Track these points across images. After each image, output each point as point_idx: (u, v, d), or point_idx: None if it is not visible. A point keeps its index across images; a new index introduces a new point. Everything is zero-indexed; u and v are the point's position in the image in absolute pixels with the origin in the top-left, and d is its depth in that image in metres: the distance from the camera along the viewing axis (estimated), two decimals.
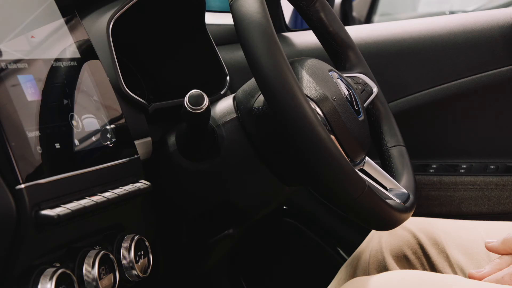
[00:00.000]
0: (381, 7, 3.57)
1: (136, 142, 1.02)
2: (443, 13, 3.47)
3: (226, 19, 1.68)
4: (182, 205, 1.14)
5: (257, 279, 1.67)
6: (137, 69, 1.32)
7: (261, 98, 1.05)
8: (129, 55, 1.30)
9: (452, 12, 3.53)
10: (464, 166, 1.47)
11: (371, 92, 1.21)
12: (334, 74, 1.09)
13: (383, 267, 1.09)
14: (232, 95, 1.13)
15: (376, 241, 1.12)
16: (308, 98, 0.99)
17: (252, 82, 1.09)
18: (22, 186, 0.79)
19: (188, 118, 1.02)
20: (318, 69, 1.07)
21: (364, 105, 1.16)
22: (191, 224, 1.18)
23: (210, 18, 1.45)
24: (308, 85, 1.03)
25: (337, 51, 1.23)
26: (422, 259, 1.09)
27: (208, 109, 1.01)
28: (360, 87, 1.18)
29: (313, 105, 1.02)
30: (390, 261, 1.09)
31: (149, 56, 1.33)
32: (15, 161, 0.79)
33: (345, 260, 1.40)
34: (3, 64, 0.84)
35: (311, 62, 1.09)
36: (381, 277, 0.92)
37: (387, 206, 0.97)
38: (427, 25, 1.51)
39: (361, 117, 1.08)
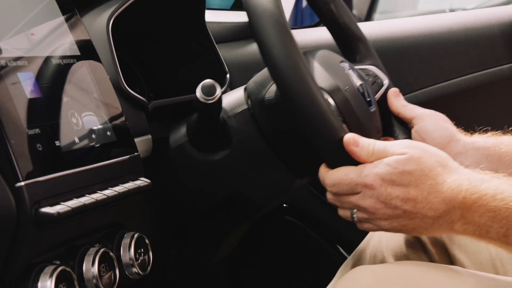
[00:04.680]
0: (381, 5, 3.57)
1: (136, 140, 1.02)
2: (443, 11, 3.47)
3: (226, 17, 1.68)
4: (191, 198, 1.14)
5: (257, 277, 1.67)
6: (137, 67, 1.32)
7: (272, 88, 1.05)
8: (129, 53, 1.30)
9: (452, 10, 3.53)
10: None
11: (382, 84, 1.20)
12: (346, 65, 1.09)
13: None
14: (243, 86, 1.13)
15: (377, 240, 1.12)
16: (320, 89, 0.98)
17: (263, 73, 1.08)
18: (22, 183, 0.79)
19: (200, 108, 1.01)
20: (329, 60, 1.07)
21: (375, 97, 1.16)
22: (199, 219, 1.17)
23: (210, 16, 1.45)
24: (320, 75, 1.03)
25: (347, 43, 1.22)
26: (423, 257, 1.09)
27: (220, 99, 1.01)
28: (371, 79, 1.17)
29: (326, 96, 1.01)
30: (391, 260, 1.09)
31: (149, 54, 1.33)
32: (15, 158, 0.79)
33: (345, 258, 1.40)
34: (3, 62, 0.84)
35: (323, 53, 1.08)
36: (383, 266, 0.92)
37: None
38: (427, 23, 1.51)
39: (373, 109, 1.08)
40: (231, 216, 1.19)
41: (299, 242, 1.64)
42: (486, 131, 1.12)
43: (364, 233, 1.20)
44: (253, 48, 1.56)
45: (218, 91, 1.00)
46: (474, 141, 1.10)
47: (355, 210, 0.92)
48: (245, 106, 1.08)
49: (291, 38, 0.91)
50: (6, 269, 0.80)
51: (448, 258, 1.08)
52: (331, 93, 1.02)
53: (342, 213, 0.95)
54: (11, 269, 0.80)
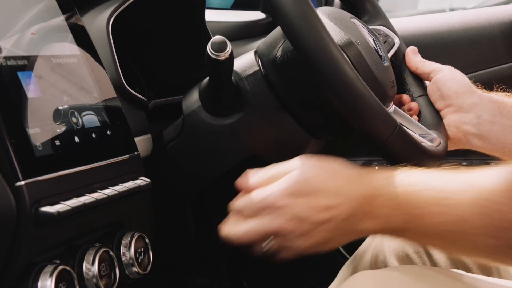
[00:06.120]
0: (381, 5, 3.56)
1: (136, 139, 1.02)
2: (443, 11, 3.47)
3: (226, 16, 1.69)
4: (207, 164, 1.12)
5: (257, 278, 1.67)
6: (137, 66, 1.32)
7: (283, 46, 1.04)
8: (129, 52, 1.30)
9: (452, 10, 3.53)
10: (464, 164, 1.46)
11: (393, 43, 1.19)
12: (356, 22, 1.08)
13: (385, 267, 1.09)
14: (253, 50, 1.12)
15: (378, 240, 1.12)
16: None
17: (273, 33, 1.08)
18: (22, 183, 0.79)
19: (211, 66, 1.00)
20: (339, 16, 1.06)
21: (388, 55, 1.14)
22: (216, 186, 1.15)
23: (210, 16, 1.45)
24: (332, 30, 1.01)
25: (354, 4, 1.21)
26: (424, 258, 1.09)
27: (231, 56, 1.00)
28: (382, 38, 1.16)
29: None
30: (392, 261, 1.09)
31: (149, 53, 1.33)
32: (15, 158, 0.79)
33: (345, 258, 1.40)
34: (2, 61, 0.83)
35: (332, 9, 1.08)
36: (385, 271, 0.92)
37: (420, 144, 0.96)
38: (427, 23, 1.51)
39: (386, 63, 1.07)
40: None
41: None
42: (503, 90, 1.12)
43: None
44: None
45: (229, 47, 0.99)
46: (491, 96, 1.09)
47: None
48: (257, 68, 1.07)
49: None
50: (6, 269, 0.80)
51: (450, 259, 1.07)
52: (343, 47, 1.01)
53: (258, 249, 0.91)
54: (11, 268, 0.80)
